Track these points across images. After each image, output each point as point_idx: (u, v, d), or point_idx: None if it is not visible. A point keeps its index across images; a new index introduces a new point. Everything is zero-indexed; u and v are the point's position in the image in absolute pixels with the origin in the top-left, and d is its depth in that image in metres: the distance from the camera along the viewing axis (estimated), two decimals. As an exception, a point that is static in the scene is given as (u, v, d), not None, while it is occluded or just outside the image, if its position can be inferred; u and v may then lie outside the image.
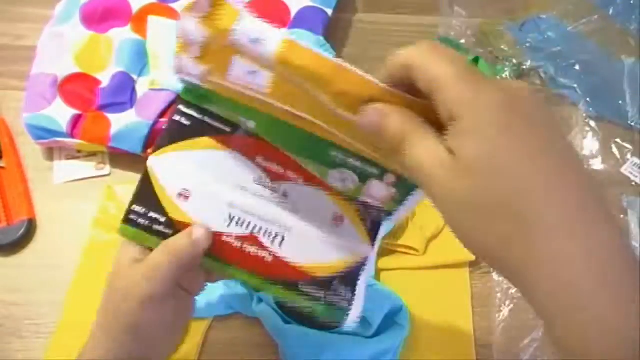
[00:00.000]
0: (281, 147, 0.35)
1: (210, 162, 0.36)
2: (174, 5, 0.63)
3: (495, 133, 0.23)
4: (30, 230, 0.55)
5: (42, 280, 0.53)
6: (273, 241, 0.36)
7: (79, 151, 0.58)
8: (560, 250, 0.22)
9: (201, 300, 0.51)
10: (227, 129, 0.36)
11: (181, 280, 0.36)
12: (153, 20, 0.60)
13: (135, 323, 0.35)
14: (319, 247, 0.36)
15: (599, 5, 0.67)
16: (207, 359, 0.51)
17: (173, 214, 0.35)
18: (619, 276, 0.22)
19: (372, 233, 0.37)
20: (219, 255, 0.36)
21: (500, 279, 0.54)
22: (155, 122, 0.56)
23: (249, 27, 0.29)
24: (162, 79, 0.58)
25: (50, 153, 0.59)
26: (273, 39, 0.28)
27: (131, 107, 0.57)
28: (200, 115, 0.35)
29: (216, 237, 0.36)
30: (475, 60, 0.60)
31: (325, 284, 0.36)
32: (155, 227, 0.36)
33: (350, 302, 0.36)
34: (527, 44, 0.66)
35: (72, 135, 0.56)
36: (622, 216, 0.57)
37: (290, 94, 0.31)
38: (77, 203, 0.57)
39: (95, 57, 0.60)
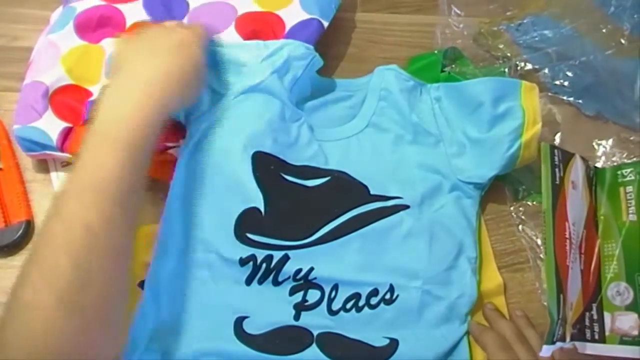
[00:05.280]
0: None
1: None
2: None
3: None
4: (28, 231, 0.55)
5: (41, 282, 0.52)
6: None
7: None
8: None
9: None
10: None
11: None
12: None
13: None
14: None
15: (594, 4, 0.67)
16: None
17: None
18: None
19: None
20: None
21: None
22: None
23: None
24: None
25: (45, 162, 0.58)
26: None
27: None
28: None
29: None
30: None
31: None
32: None
33: None
34: (524, 44, 0.67)
35: (62, 149, 0.54)
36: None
37: None
38: (76, 204, 0.56)
39: (86, 68, 0.58)
